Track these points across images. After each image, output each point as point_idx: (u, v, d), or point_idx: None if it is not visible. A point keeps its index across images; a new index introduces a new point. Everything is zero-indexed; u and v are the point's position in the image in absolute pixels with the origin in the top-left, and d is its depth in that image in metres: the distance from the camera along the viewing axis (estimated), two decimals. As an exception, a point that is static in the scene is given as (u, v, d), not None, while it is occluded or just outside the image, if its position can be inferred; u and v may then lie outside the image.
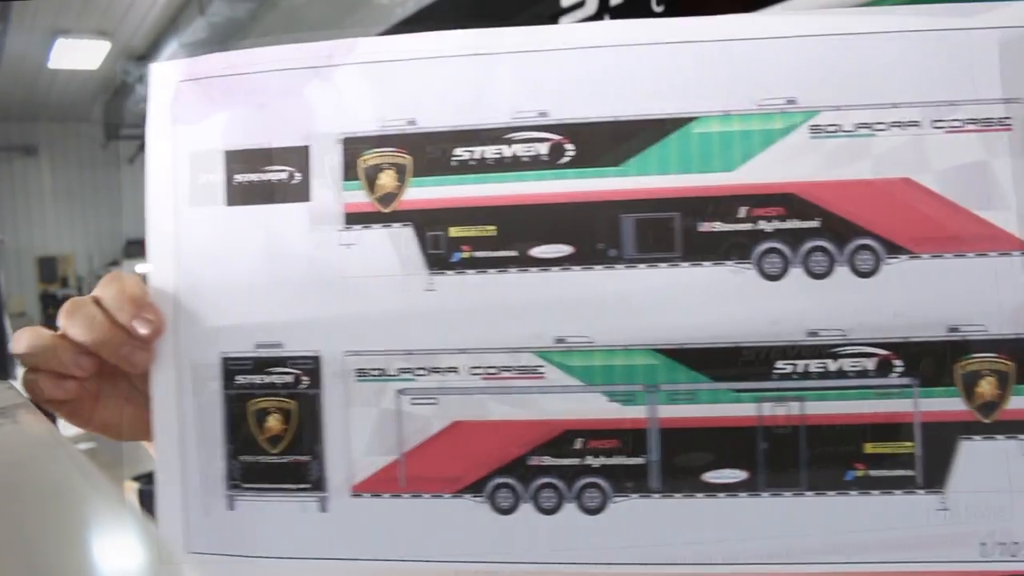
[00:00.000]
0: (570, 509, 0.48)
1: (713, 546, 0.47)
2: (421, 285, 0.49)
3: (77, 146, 13.37)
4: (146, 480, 3.92)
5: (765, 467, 0.47)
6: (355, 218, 0.49)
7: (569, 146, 0.48)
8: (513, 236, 0.48)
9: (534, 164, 0.48)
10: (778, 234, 0.47)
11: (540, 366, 0.48)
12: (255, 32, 9.14)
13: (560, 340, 0.48)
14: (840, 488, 0.47)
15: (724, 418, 0.47)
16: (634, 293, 0.47)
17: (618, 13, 4.33)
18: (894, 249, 0.47)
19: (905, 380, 0.47)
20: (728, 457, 0.47)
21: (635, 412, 0.48)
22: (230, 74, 0.51)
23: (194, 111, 0.51)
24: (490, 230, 0.48)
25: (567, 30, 0.50)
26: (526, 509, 0.48)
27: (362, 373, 0.49)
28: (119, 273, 0.52)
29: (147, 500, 3.29)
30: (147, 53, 10.07)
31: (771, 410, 0.47)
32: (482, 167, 0.48)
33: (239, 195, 0.51)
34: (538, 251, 0.48)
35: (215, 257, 0.51)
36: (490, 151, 0.48)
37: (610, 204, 0.48)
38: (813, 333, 0.47)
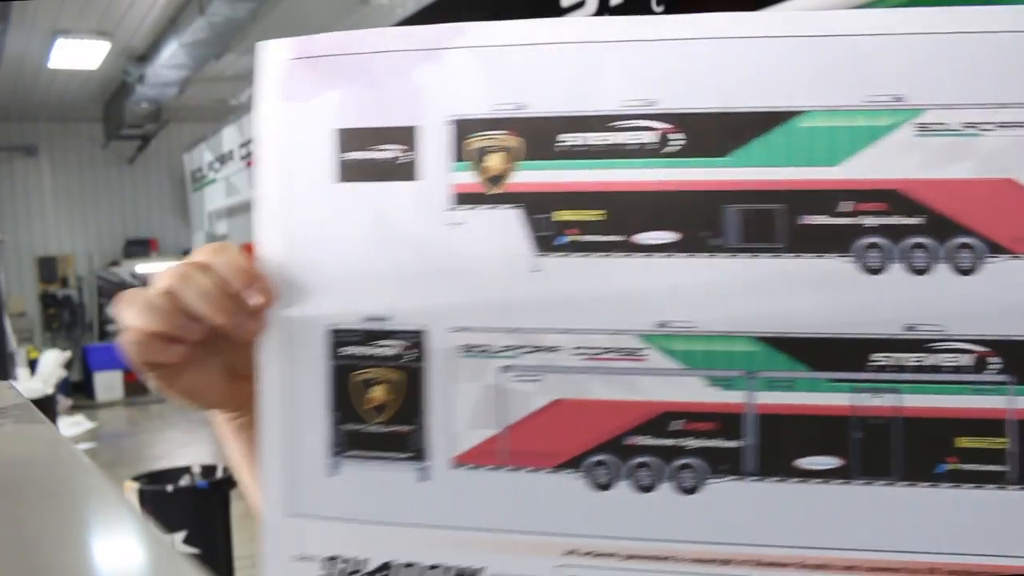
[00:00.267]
0: (665, 488, 0.49)
1: (804, 529, 0.48)
2: (527, 266, 0.49)
3: (77, 146, 13.37)
4: (146, 480, 3.92)
5: (858, 455, 0.48)
6: (463, 198, 0.50)
7: (677, 135, 0.49)
8: (619, 222, 0.49)
9: (641, 152, 0.49)
10: (880, 229, 0.47)
11: (642, 349, 0.49)
12: (255, 32, 9.15)
13: (663, 324, 0.48)
14: (932, 480, 0.47)
15: (820, 406, 0.48)
16: (736, 281, 0.48)
17: (618, 13, 4.32)
18: (995, 249, 0.47)
19: (1001, 377, 0.47)
20: (822, 444, 0.48)
21: (733, 397, 0.48)
22: (341, 54, 0.52)
23: (304, 89, 0.52)
24: (596, 215, 0.49)
25: (675, 21, 0.50)
26: (622, 486, 0.49)
27: (467, 349, 0.50)
28: (227, 244, 0.53)
29: (147, 500, 3.29)
30: (147, 53, 10.08)
31: (866, 400, 0.48)
32: (590, 153, 0.49)
33: (348, 172, 0.51)
34: (643, 237, 0.49)
35: (324, 232, 0.52)
36: (598, 138, 0.49)
37: (715, 194, 0.48)
38: (910, 327, 0.47)
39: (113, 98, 12.17)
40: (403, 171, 0.51)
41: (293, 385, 0.52)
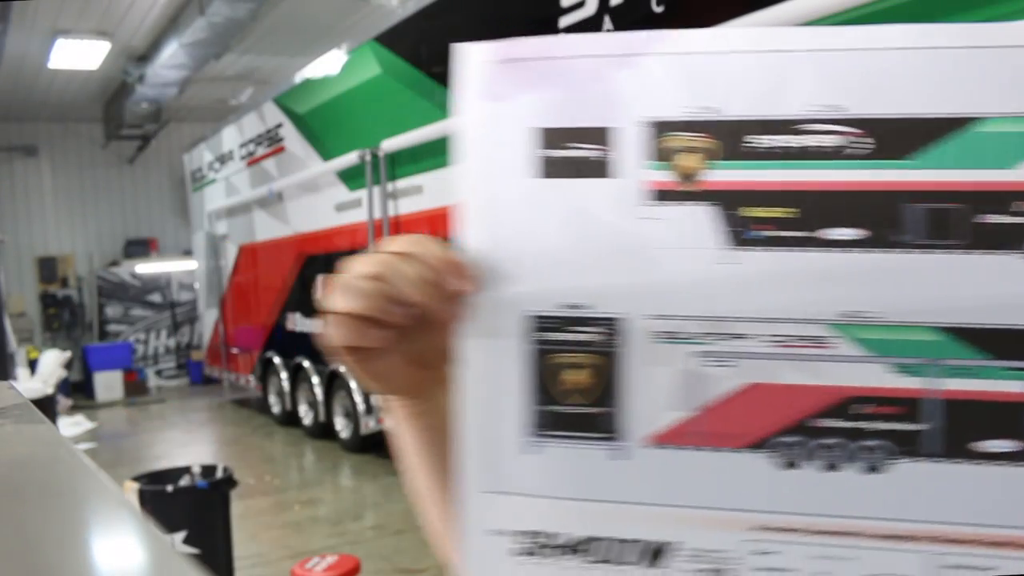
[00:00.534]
0: (849, 468, 0.51)
1: (985, 508, 0.50)
2: (720, 259, 0.52)
3: (77, 146, 13.37)
4: (146, 480, 3.92)
5: None
6: (658, 195, 0.53)
7: (864, 139, 0.51)
8: (808, 219, 0.52)
9: (829, 154, 0.52)
10: None
11: (829, 337, 0.51)
12: (255, 32, 9.15)
13: (850, 314, 0.51)
14: None
15: (1000, 392, 0.50)
16: (919, 275, 0.51)
17: (618, 13, 4.32)
18: None
19: None
20: (1001, 428, 0.50)
21: (916, 383, 0.51)
22: (541, 58, 0.55)
23: (505, 90, 0.55)
24: (786, 212, 0.52)
25: (859, 32, 0.53)
26: (807, 466, 0.51)
27: (662, 335, 0.53)
28: (424, 237, 0.56)
29: (147, 500, 3.28)
30: (147, 53, 10.08)
31: None
32: (780, 154, 0.52)
33: (548, 169, 0.54)
34: (831, 233, 0.51)
35: (523, 224, 0.55)
36: (788, 140, 0.52)
37: (899, 194, 0.51)
38: None
39: (113, 98, 12.16)
40: (599, 168, 0.54)
41: (491, 368, 0.55)
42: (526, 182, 0.54)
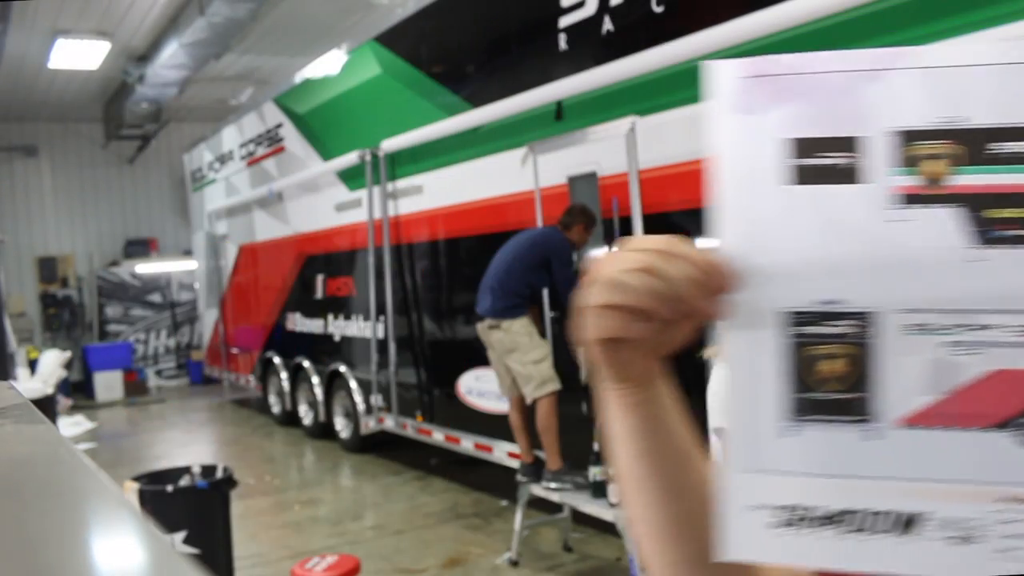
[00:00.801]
0: None
1: None
2: (964, 256, 0.56)
3: (77, 146, 13.36)
4: (146, 480, 3.92)
5: None
6: (906, 199, 0.57)
7: None
8: None
9: None
10: None
11: None
12: (255, 32, 9.15)
13: None
14: None
15: None
16: None
17: (618, 13, 4.31)
18: None
19: None
20: None
21: None
22: (792, 73, 0.60)
23: (758, 103, 0.60)
24: None
25: None
26: None
27: (913, 327, 0.57)
28: (675, 237, 0.60)
29: (147, 500, 3.27)
30: (147, 53, 10.08)
31: None
32: (1023, 159, 0.56)
33: (800, 176, 0.59)
34: None
35: (778, 227, 0.59)
36: None
37: None
38: None
39: (113, 98, 12.16)
40: (848, 175, 0.58)
41: (751, 360, 0.60)
42: (779, 189, 0.59)
